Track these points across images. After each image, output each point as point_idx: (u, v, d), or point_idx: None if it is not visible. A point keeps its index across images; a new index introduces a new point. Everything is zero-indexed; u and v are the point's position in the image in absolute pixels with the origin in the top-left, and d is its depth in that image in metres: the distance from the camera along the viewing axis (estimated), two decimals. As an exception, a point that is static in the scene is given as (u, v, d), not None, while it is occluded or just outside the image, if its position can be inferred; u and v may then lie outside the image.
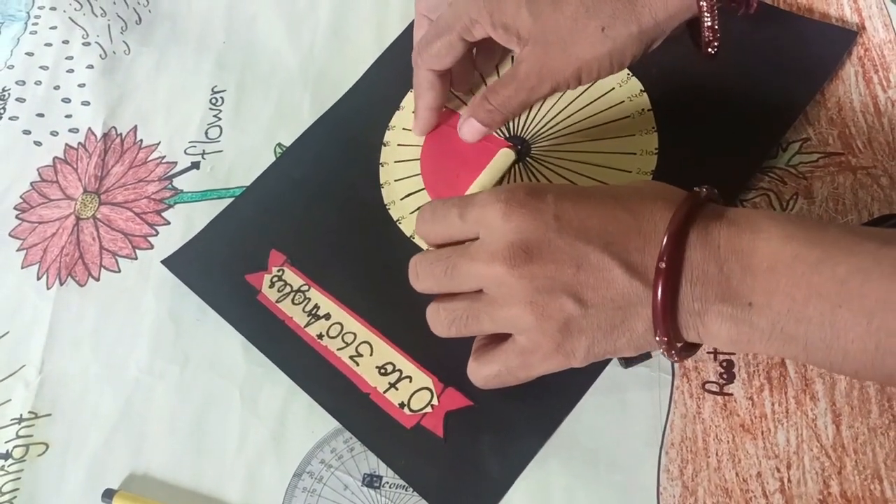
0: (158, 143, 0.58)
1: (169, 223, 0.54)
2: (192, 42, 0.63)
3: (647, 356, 0.43)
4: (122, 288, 0.53)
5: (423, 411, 0.44)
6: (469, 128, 0.49)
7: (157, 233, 0.54)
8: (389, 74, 0.55)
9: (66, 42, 0.64)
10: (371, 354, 0.46)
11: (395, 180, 0.52)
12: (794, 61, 0.50)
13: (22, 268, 0.55)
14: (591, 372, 0.43)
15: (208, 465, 0.46)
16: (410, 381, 0.45)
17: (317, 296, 0.49)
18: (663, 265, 0.34)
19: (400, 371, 0.45)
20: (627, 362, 0.43)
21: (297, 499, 0.44)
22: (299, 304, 0.49)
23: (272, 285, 0.50)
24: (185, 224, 0.54)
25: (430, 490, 0.42)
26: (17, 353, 0.51)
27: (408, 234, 0.50)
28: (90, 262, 0.54)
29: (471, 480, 0.42)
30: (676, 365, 0.43)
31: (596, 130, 0.50)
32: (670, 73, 0.50)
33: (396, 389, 0.45)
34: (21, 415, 0.49)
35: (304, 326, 0.48)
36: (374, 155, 0.53)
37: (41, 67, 0.64)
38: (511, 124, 0.52)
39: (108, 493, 0.45)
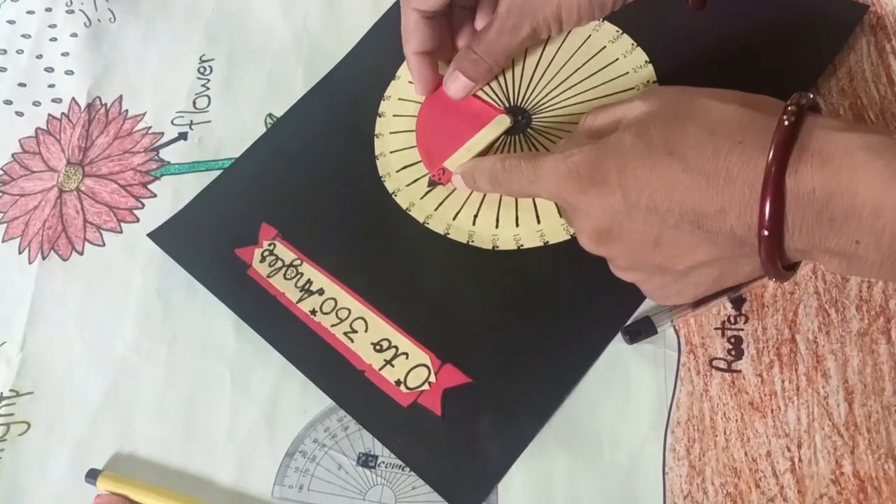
0: (144, 114, 0.56)
1: (155, 196, 0.53)
2: (181, 10, 0.60)
3: (652, 331, 0.41)
4: (107, 263, 0.51)
5: (420, 389, 0.42)
6: (454, 82, 0.48)
7: (143, 206, 0.52)
8: (385, 43, 0.53)
9: (48, 10, 0.62)
10: (366, 331, 0.44)
11: (391, 152, 0.50)
12: (804, 35, 0.48)
13: (3, 241, 0.53)
14: (594, 348, 0.42)
15: (197, 445, 0.44)
16: (407, 358, 0.43)
17: (309, 270, 0.47)
18: (766, 234, 0.32)
19: (396, 347, 0.44)
20: (632, 338, 0.42)
21: (290, 479, 0.42)
22: (291, 278, 0.47)
23: (263, 259, 0.48)
24: (172, 197, 0.52)
25: (427, 470, 0.41)
26: (-3, 329, 0.50)
27: (403, 207, 0.48)
28: (74, 236, 0.52)
29: (469, 460, 0.41)
30: (683, 341, 0.42)
31: (599, 102, 0.48)
32: (676, 44, 0.49)
33: (392, 366, 0.43)
34: (2, 393, 0.47)
35: (297, 302, 0.46)
36: (369, 126, 0.51)
37: (23, 36, 0.62)
38: (511, 95, 0.50)
39: (93, 474, 0.44)
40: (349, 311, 0.45)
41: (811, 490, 0.37)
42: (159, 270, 0.50)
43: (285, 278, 0.47)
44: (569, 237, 0.45)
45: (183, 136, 0.55)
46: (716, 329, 0.42)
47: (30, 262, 0.52)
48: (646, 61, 0.49)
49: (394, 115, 0.52)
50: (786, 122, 0.31)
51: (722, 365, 0.41)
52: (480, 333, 0.43)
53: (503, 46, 0.46)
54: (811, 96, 0.33)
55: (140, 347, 0.47)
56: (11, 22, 0.62)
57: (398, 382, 0.43)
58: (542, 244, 0.45)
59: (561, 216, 0.45)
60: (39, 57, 0.60)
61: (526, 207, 0.46)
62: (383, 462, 0.42)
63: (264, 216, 0.49)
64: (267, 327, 0.46)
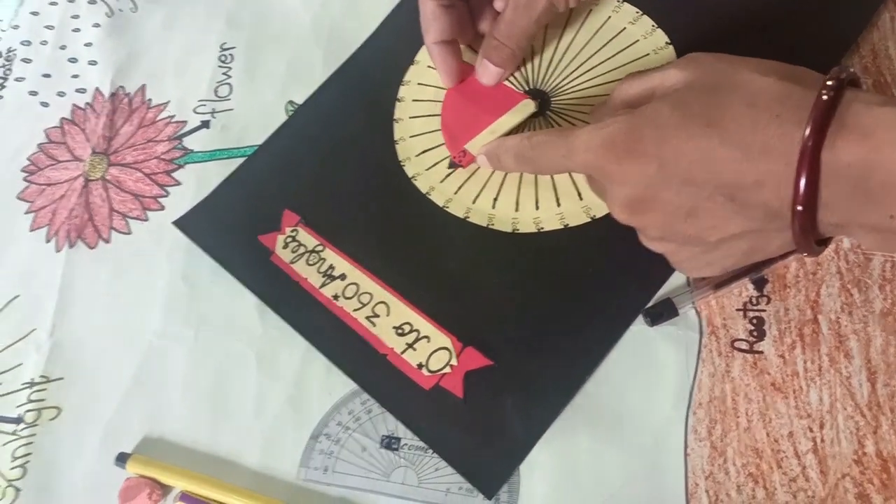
0: (168, 103, 0.57)
1: (180, 184, 0.53)
2: (202, -1, 0.61)
3: (674, 313, 0.42)
4: (133, 250, 0.52)
5: (442, 372, 0.43)
6: (484, 70, 0.48)
7: (168, 194, 0.53)
8: (403, 28, 0.53)
9: (71, 0, 0.63)
10: (388, 315, 0.45)
11: (411, 136, 0.50)
12: (827, 14, 0.47)
13: (31, 230, 0.54)
14: (615, 331, 0.42)
15: (225, 428, 0.45)
16: (429, 342, 0.44)
17: (332, 256, 0.47)
18: (800, 208, 0.32)
19: (418, 331, 0.44)
20: (653, 320, 0.42)
21: (315, 461, 0.43)
22: (314, 264, 0.47)
23: (286, 246, 0.48)
24: (196, 184, 0.53)
25: (450, 452, 0.41)
26: (27, 316, 0.51)
27: (423, 191, 0.48)
28: (100, 225, 0.53)
29: (492, 442, 0.41)
30: (704, 323, 0.42)
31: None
32: (696, 25, 0.48)
33: (414, 350, 0.44)
34: (32, 379, 0.48)
35: (320, 287, 0.47)
36: (389, 111, 0.52)
37: (46, 27, 0.62)
38: (531, 78, 0.50)
39: (122, 457, 0.45)
40: (371, 295, 0.46)
41: (834, 470, 0.37)
42: (185, 257, 0.50)
43: (308, 264, 0.47)
44: (589, 220, 0.45)
45: (205, 124, 0.55)
46: (737, 310, 0.42)
47: (57, 251, 0.53)
48: (666, 42, 0.49)
49: (413, 100, 0.52)
50: (824, 97, 0.31)
51: (744, 346, 0.41)
52: (501, 316, 0.44)
53: (522, 26, 0.45)
54: (851, 70, 0.33)
55: (167, 332, 0.48)
56: (35, 13, 0.63)
57: (420, 366, 0.43)
58: (561, 227, 0.45)
59: (580, 198, 0.45)
60: (63, 48, 0.61)
61: (546, 189, 0.46)
62: (406, 444, 0.42)
63: (287, 203, 0.50)
64: (291, 312, 0.47)
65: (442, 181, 0.48)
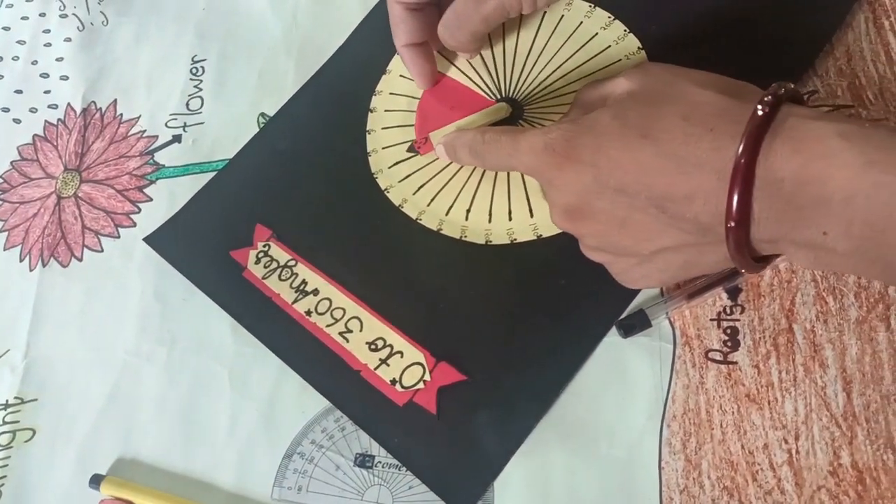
0: (139, 117, 0.56)
1: (151, 199, 0.53)
2: (172, 10, 0.60)
3: (647, 324, 0.41)
4: (105, 268, 0.51)
5: (416, 387, 0.42)
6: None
7: (140, 210, 0.53)
8: (375, 37, 0.53)
9: (42, 15, 0.62)
10: (361, 330, 0.44)
11: (383, 148, 0.50)
12: (800, 17, 0.46)
13: (4, 249, 0.53)
14: (589, 342, 0.42)
15: (198, 448, 0.44)
16: (402, 357, 0.43)
17: (304, 271, 0.47)
18: (732, 224, 0.31)
19: (391, 346, 0.44)
20: (627, 332, 0.41)
21: (289, 480, 0.42)
22: (286, 279, 0.47)
23: (258, 261, 0.48)
24: (168, 200, 0.52)
25: (423, 469, 0.41)
26: (1, 337, 0.50)
27: (396, 203, 0.48)
28: (72, 242, 0.52)
29: (466, 458, 0.41)
30: (678, 333, 0.41)
31: None
32: (668, 31, 0.48)
33: (388, 365, 0.43)
34: (7, 400, 0.48)
35: (292, 303, 0.46)
36: (361, 122, 0.51)
37: (18, 42, 0.62)
38: (503, 85, 0.49)
39: (97, 479, 0.44)
40: (344, 310, 0.45)
41: (809, 482, 0.37)
42: (157, 274, 0.50)
43: (280, 279, 0.47)
44: (561, 230, 0.44)
45: (177, 138, 0.55)
46: (711, 320, 0.41)
47: (31, 270, 0.52)
48: (638, 48, 0.48)
49: (385, 111, 0.51)
50: (759, 112, 0.31)
51: (718, 356, 0.40)
52: (474, 330, 0.43)
53: (467, 20, 0.44)
54: (791, 86, 0.32)
55: (140, 351, 0.48)
56: (6, 28, 0.62)
57: (393, 381, 0.43)
58: (535, 237, 0.45)
59: None
60: (35, 63, 0.60)
61: (519, 200, 0.46)
62: (380, 462, 0.42)
63: (258, 217, 0.49)
64: (263, 329, 0.46)
65: (415, 193, 0.48)
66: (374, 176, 0.49)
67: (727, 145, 0.31)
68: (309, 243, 0.48)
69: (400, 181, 0.48)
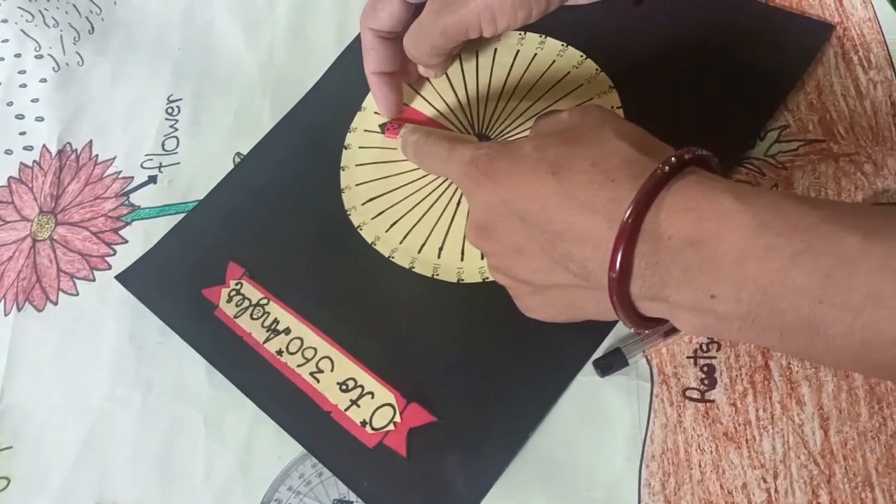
0: (114, 158, 0.56)
1: (127, 241, 0.52)
2: (147, 50, 0.60)
3: (623, 364, 0.41)
4: (80, 311, 0.51)
5: (386, 429, 0.42)
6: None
7: (115, 252, 0.52)
8: (350, 75, 0.53)
9: (18, 55, 0.62)
10: (332, 370, 0.44)
11: (357, 185, 0.50)
12: (771, 53, 0.47)
13: (-22, 294, 0.53)
14: (561, 382, 0.41)
15: (174, 495, 0.44)
16: (372, 398, 0.43)
17: (276, 310, 0.47)
18: (613, 275, 0.32)
19: (362, 387, 0.43)
20: (604, 371, 0.41)
21: (266, 528, 0.42)
22: (258, 318, 0.47)
23: (230, 300, 0.48)
24: (143, 241, 0.52)
25: None
26: (-26, 384, 0.50)
27: (369, 241, 0.48)
28: (48, 286, 0.52)
29: (435, 502, 0.40)
30: (655, 371, 0.41)
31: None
32: (641, 69, 0.48)
33: (358, 406, 0.43)
34: (-20, 449, 0.47)
35: (263, 342, 0.46)
36: (335, 159, 0.51)
37: (-7, 83, 0.62)
38: (476, 123, 0.49)
39: (71, 529, 0.44)
40: (315, 350, 0.45)
41: (788, 522, 0.37)
42: (131, 316, 0.49)
43: (252, 318, 0.47)
44: None
45: (153, 179, 0.54)
46: (688, 358, 0.41)
47: (5, 315, 0.52)
48: (609, 86, 0.48)
49: (360, 147, 0.51)
50: (659, 171, 0.31)
51: (695, 395, 0.40)
52: (446, 370, 0.43)
53: (427, 32, 0.44)
54: (702, 152, 0.33)
55: (115, 396, 0.47)
56: (-18, 69, 0.62)
57: (364, 423, 0.42)
58: None
59: None
60: (10, 104, 0.60)
61: None
62: (358, 508, 0.41)
63: (231, 255, 0.49)
64: (233, 369, 0.46)
65: (387, 230, 0.48)
66: (348, 213, 0.49)
67: (623, 196, 0.31)
68: (281, 282, 0.48)
69: (373, 218, 0.48)
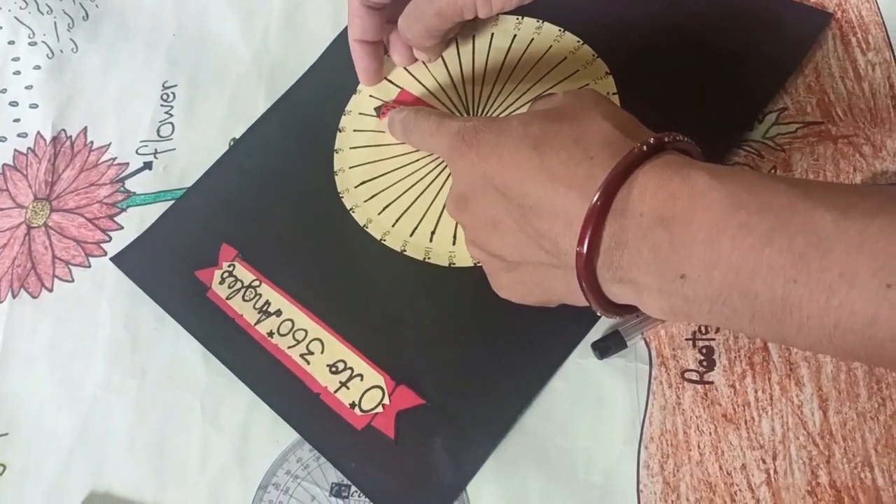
0: (109, 144, 0.55)
1: (122, 228, 0.52)
2: (142, 37, 0.60)
3: (622, 346, 0.41)
4: (76, 299, 0.50)
5: (374, 411, 0.42)
6: (395, 45, 0.51)
7: (111, 238, 0.52)
8: (345, 57, 0.53)
9: (11, 42, 0.62)
10: (322, 352, 0.44)
11: (350, 167, 0.50)
12: (766, 43, 0.46)
13: (-27, 282, 0.53)
14: (551, 365, 0.41)
15: (170, 481, 0.44)
16: (362, 380, 0.43)
17: (268, 291, 0.47)
18: (580, 249, 0.32)
19: (351, 369, 0.43)
20: (602, 353, 0.41)
21: (263, 513, 0.42)
22: (250, 300, 0.46)
23: (222, 281, 0.47)
24: (138, 227, 0.51)
25: (379, 494, 0.40)
26: (-30, 371, 0.49)
27: (361, 223, 0.47)
28: (43, 273, 0.52)
29: (422, 483, 0.40)
30: (654, 354, 0.41)
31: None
32: (638, 55, 0.48)
33: (347, 388, 0.43)
34: (-24, 436, 0.47)
35: (255, 324, 0.46)
36: (329, 142, 0.51)
37: (-13, 71, 0.61)
38: (472, 106, 0.49)
39: (68, 515, 0.43)
40: (306, 332, 0.45)
41: (787, 502, 0.37)
42: (127, 303, 0.49)
43: (244, 300, 0.47)
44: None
45: (148, 165, 0.54)
46: (687, 340, 0.41)
47: (0, 302, 0.51)
48: (606, 72, 0.48)
49: (354, 130, 0.51)
50: (636, 150, 0.31)
51: (694, 377, 0.40)
52: (435, 352, 0.43)
53: (422, 12, 0.45)
54: (683, 138, 0.33)
55: (110, 383, 0.47)
56: (-25, 57, 0.62)
57: (353, 405, 0.42)
58: None
59: None
60: (4, 91, 0.60)
61: None
62: (356, 492, 0.41)
63: (224, 237, 0.49)
64: (226, 351, 0.46)
65: (380, 213, 0.47)
66: (341, 195, 0.49)
67: (598, 175, 0.31)
68: (274, 263, 0.48)
69: (365, 201, 0.48)
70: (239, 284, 0.47)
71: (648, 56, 0.47)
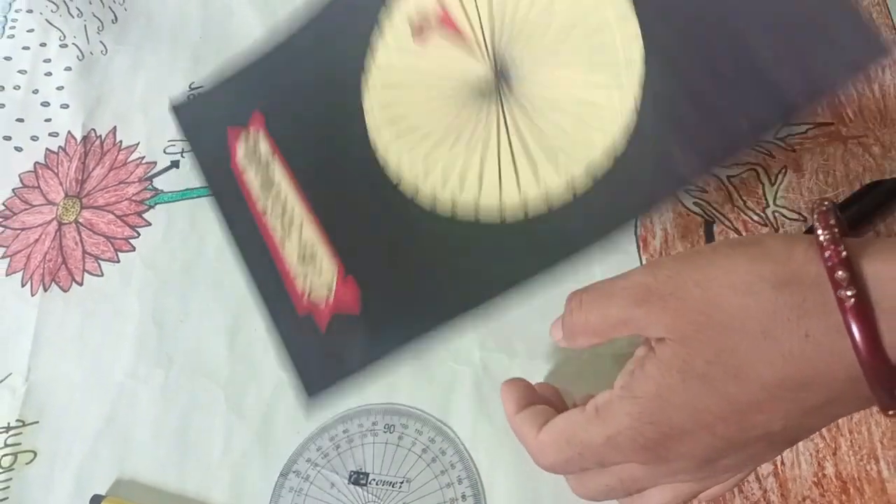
0: (138, 144, 0.57)
1: (150, 224, 0.54)
2: (168, 38, 0.62)
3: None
4: (105, 292, 0.52)
5: (318, 305, 0.46)
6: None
7: (139, 235, 0.54)
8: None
9: (43, 45, 0.64)
10: (300, 237, 0.48)
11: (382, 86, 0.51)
12: (810, 55, 0.39)
13: (6, 275, 0.54)
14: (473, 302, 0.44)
15: (194, 467, 0.45)
16: (320, 277, 0.47)
17: (278, 169, 0.50)
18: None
19: (314, 255, 0.47)
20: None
21: (284, 499, 0.43)
22: (260, 173, 0.51)
23: (246, 152, 0.52)
24: (165, 224, 0.53)
25: (297, 361, 0.46)
26: (3, 361, 0.51)
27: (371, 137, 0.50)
28: (73, 267, 0.53)
29: (333, 359, 0.45)
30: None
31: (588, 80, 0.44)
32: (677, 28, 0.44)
33: (306, 276, 0.47)
34: (9, 423, 0.49)
35: (256, 201, 0.50)
36: (360, 54, 0.51)
37: (19, 72, 0.63)
38: (495, 39, 0.47)
39: (96, 499, 0.45)
40: (293, 212, 0.49)
41: (794, 493, 0.38)
42: (154, 297, 0.51)
43: (255, 174, 0.51)
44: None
45: (175, 164, 0.56)
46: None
47: (32, 295, 0.53)
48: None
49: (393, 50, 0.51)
50: (846, 301, 0.27)
51: (703, 370, 0.41)
52: (387, 264, 0.46)
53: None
54: (827, 207, 0.29)
55: (137, 373, 0.49)
56: (8, 58, 0.64)
57: (303, 293, 0.46)
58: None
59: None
60: (35, 92, 0.62)
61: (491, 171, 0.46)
62: (374, 480, 0.43)
63: (259, 106, 0.53)
64: (232, 223, 0.51)
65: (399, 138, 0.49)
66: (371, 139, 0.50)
67: (834, 342, 0.27)
68: (291, 140, 0.51)
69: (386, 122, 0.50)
70: (257, 154, 0.51)
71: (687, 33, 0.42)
